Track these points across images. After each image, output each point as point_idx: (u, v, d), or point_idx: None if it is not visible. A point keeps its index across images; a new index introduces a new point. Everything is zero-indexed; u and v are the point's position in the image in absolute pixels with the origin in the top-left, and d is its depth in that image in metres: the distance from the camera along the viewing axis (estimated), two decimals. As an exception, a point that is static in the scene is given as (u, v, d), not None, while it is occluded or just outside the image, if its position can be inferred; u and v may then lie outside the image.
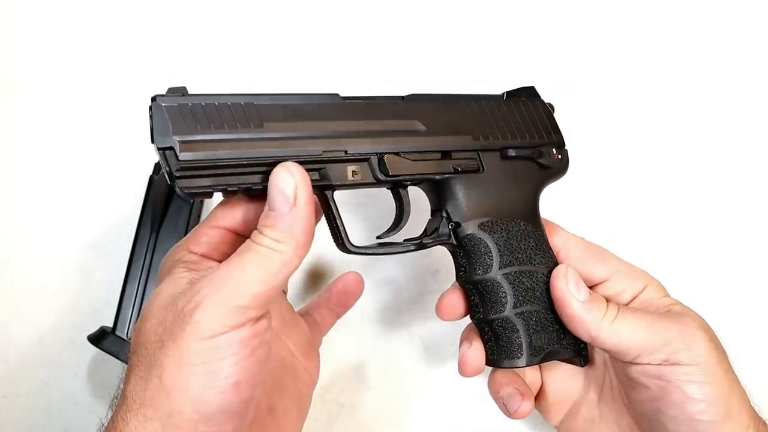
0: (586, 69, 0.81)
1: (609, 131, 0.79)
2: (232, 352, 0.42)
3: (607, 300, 0.54)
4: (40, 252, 0.71)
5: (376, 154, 0.51)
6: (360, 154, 0.51)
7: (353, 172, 0.51)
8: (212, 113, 0.46)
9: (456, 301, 0.58)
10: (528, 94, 0.59)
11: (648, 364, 0.52)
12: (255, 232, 0.45)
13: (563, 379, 0.62)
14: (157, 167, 0.70)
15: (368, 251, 0.54)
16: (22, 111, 0.76)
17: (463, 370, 0.57)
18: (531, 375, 0.62)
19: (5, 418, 0.68)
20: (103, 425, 0.46)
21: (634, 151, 0.79)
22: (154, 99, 0.45)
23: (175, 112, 0.45)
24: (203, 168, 0.45)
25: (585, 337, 0.54)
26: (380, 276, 0.74)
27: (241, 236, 0.50)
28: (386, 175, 0.52)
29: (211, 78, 0.76)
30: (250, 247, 0.45)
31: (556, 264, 0.56)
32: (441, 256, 0.64)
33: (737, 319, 0.74)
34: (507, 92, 0.58)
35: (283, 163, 0.46)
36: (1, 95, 0.76)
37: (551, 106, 0.60)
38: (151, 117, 0.45)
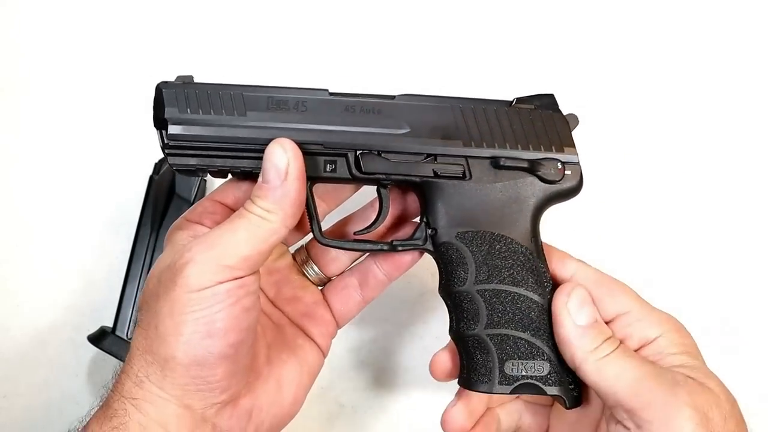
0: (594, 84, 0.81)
1: (601, 139, 0.79)
2: (218, 301, 0.46)
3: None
4: (40, 252, 0.71)
5: (354, 149, 0.52)
6: (336, 148, 0.52)
7: (329, 165, 0.52)
8: (203, 99, 0.51)
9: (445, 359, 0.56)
10: (544, 102, 0.55)
11: (619, 423, 0.47)
12: (248, 201, 0.49)
13: (571, 424, 0.55)
14: (157, 167, 0.70)
15: (338, 245, 0.55)
16: (23, 112, 0.76)
17: (431, 371, 0.56)
18: (533, 418, 0.58)
19: (5, 417, 0.68)
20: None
21: (627, 157, 0.79)
22: (158, 85, 0.50)
23: (172, 96, 0.50)
24: (191, 147, 0.50)
25: (570, 363, 0.50)
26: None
27: (233, 210, 0.53)
28: (360, 171, 0.52)
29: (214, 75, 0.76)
30: (242, 215, 0.48)
31: (553, 290, 0.52)
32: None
33: (734, 324, 0.75)
34: (518, 98, 0.55)
35: (278, 139, 0.49)
36: (2, 96, 0.76)
37: (574, 117, 0.55)
38: (154, 100, 0.50)
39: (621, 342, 0.49)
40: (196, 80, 0.52)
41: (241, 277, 0.47)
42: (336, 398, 0.72)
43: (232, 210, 0.53)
